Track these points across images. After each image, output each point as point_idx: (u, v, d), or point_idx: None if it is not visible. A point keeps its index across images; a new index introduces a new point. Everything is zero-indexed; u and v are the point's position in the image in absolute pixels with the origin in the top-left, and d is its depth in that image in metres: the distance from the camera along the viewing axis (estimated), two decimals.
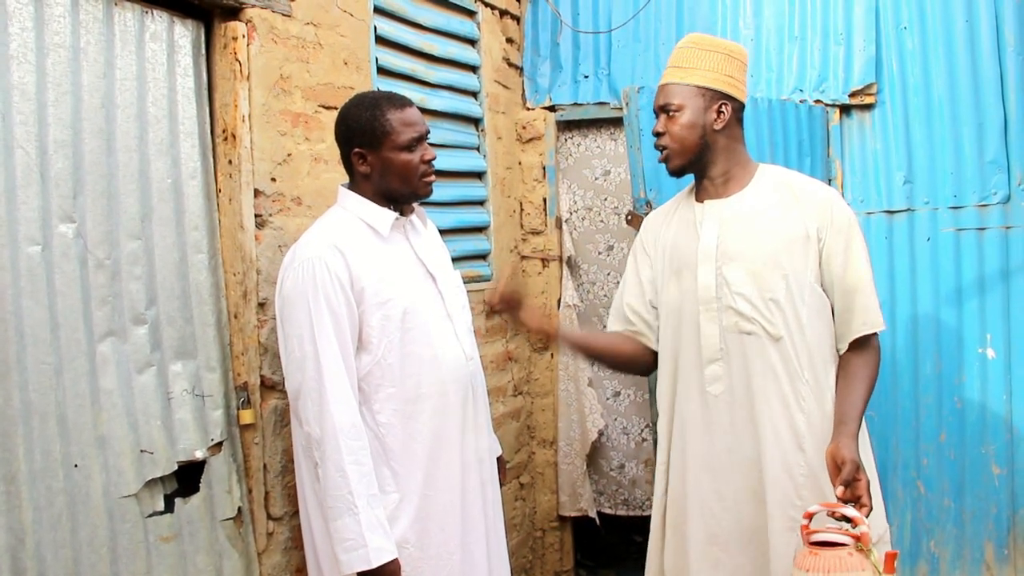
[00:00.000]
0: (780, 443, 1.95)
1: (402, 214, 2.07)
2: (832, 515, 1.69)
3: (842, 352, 1.99)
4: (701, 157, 2.04)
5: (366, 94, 2.10)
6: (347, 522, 1.83)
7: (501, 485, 2.33)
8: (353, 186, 2.06)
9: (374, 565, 1.83)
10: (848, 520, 1.66)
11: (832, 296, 1.99)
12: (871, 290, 1.97)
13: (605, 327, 2.42)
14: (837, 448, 1.80)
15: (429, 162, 2.03)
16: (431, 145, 2.06)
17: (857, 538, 1.63)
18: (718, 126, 2.02)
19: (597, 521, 3.62)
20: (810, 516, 1.70)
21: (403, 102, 2.03)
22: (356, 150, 2.00)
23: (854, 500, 1.71)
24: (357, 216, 2.01)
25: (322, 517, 1.91)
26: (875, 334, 1.98)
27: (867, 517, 1.67)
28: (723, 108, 2.01)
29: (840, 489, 1.71)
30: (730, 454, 2.01)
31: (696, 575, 2.08)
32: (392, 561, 1.86)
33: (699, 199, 2.10)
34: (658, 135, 2.06)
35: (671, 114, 2.03)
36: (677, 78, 2.04)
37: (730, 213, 2.03)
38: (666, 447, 2.15)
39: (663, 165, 2.10)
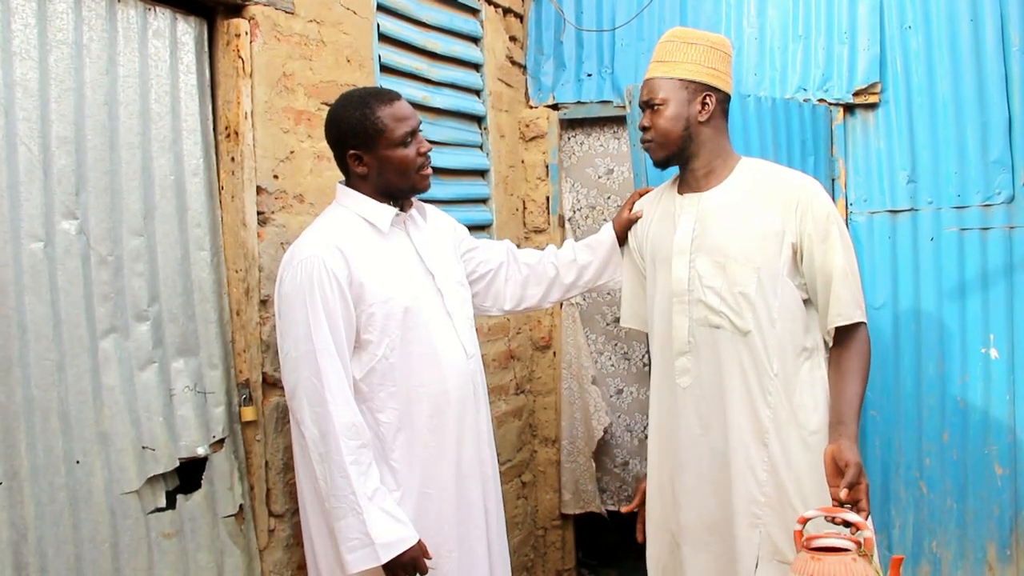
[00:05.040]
0: (744, 438, 1.96)
1: (402, 209, 2.07)
2: (832, 520, 1.66)
3: (831, 345, 2.00)
4: (685, 149, 2.06)
5: (352, 93, 2.07)
6: (351, 522, 1.83)
7: None
8: (351, 183, 2.05)
9: (383, 561, 1.83)
10: (848, 525, 1.64)
11: (814, 288, 1.98)
12: (848, 280, 1.93)
13: (618, 320, 2.56)
14: (839, 450, 1.80)
15: (425, 154, 2.02)
16: (431, 142, 2.06)
17: (859, 543, 1.61)
18: (702, 118, 2.03)
19: (606, 515, 3.61)
20: (805, 521, 1.67)
21: (391, 96, 2.01)
22: (351, 152, 1.98)
23: (853, 503, 1.70)
24: (356, 213, 2.00)
25: (324, 517, 1.91)
26: (862, 324, 1.95)
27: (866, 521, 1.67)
28: (707, 100, 2.03)
29: (844, 492, 1.71)
30: (696, 447, 2.02)
31: (665, 568, 2.11)
32: (409, 549, 1.85)
33: (680, 191, 2.12)
34: (644, 129, 2.09)
35: (656, 108, 2.05)
36: (661, 72, 2.07)
37: (707, 207, 2.04)
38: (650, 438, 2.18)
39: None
